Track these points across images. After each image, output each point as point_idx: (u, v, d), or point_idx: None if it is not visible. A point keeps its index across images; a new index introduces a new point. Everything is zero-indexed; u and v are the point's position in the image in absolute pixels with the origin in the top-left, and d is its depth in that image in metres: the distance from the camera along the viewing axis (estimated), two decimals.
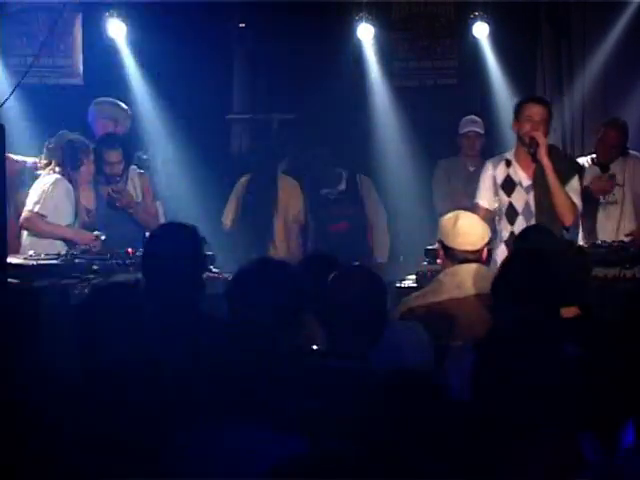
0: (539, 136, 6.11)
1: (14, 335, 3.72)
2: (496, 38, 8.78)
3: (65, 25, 8.30)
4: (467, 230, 5.09)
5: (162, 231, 4.41)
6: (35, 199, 6.60)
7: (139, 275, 5.56)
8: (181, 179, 8.40)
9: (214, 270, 6.36)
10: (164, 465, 2.93)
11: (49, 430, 3.09)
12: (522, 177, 6.22)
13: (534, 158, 6.17)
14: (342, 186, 8.13)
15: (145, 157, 7.66)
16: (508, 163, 6.27)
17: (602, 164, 7.56)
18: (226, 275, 6.45)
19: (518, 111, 6.28)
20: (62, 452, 3.00)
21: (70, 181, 6.68)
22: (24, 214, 6.61)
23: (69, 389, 3.31)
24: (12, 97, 6.01)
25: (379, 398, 2.55)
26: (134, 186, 7.13)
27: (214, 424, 2.94)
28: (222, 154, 9.16)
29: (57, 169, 6.67)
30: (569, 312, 4.09)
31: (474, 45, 8.86)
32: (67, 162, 6.66)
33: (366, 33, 8.75)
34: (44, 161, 6.68)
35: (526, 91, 8.69)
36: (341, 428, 2.82)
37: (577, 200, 6.16)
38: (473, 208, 6.24)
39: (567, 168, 6.24)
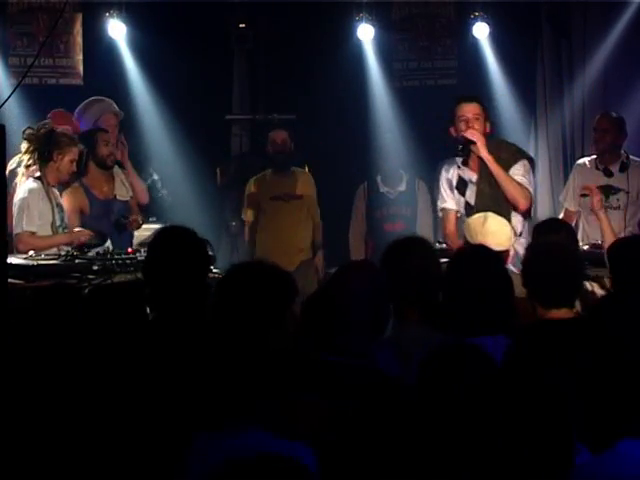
0: (471, 133, 6.17)
1: (14, 335, 3.73)
2: (496, 38, 8.78)
3: (65, 25, 8.30)
4: (496, 229, 5.14)
5: (165, 233, 4.40)
6: (20, 217, 6.54)
7: (139, 275, 5.58)
8: (181, 179, 8.40)
9: (215, 271, 6.35)
10: (164, 469, 2.94)
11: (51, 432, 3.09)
12: (470, 175, 6.32)
13: (475, 155, 6.24)
14: (402, 187, 8.26)
15: (156, 178, 7.64)
16: (459, 165, 6.38)
17: (602, 160, 7.57)
18: None
19: (452, 114, 6.35)
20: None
21: (41, 177, 6.61)
22: (16, 238, 6.53)
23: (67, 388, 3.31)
24: (12, 97, 5.99)
25: (384, 395, 2.54)
26: (122, 182, 7.14)
27: (215, 428, 2.94)
28: (222, 154, 9.15)
29: (29, 161, 6.59)
30: (560, 314, 4.08)
31: (474, 45, 8.86)
32: (39, 154, 6.61)
33: (366, 33, 8.75)
34: (24, 145, 6.64)
35: (526, 91, 8.70)
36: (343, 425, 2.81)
37: (527, 185, 6.20)
38: (443, 213, 6.47)
39: (512, 155, 6.29)
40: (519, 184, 6.18)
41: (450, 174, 6.44)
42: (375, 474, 2.36)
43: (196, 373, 3.02)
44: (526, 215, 6.29)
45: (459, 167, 6.39)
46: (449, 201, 6.45)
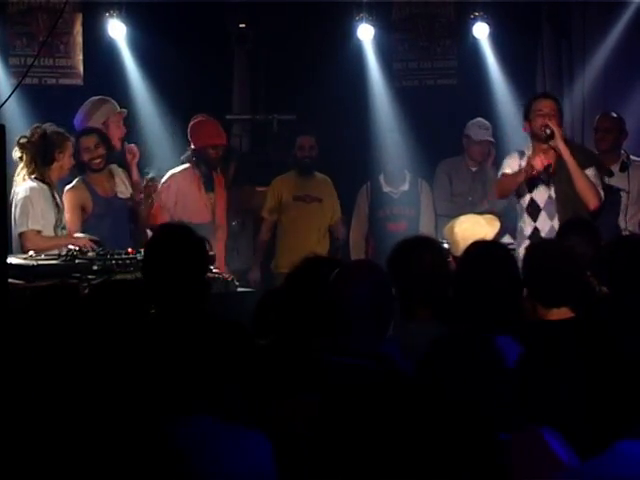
0: (553, 124, 6.15)
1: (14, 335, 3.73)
2: (496, 38, 8.78)
3: (65, 25, 8.29)
4: (465, 235, 5.14)
5: (163, 232, 4.41)
6: (24, 216, 6.56)
7: (139, 275, 5.58)
8: None
9: (214, 270, 6.36)
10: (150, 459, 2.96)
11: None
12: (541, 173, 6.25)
13: (550, 151, 6.18)
14: (405, 187, 8.26)
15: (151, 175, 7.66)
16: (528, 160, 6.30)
17: (603, 160, 7.58)
18: (226, 276, 6.45)
19: (528, 109, 6.32)
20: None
21: (42, 179, 6.65)
22: (24, 236, 6.54)
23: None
24: (12, 97, 5.99)
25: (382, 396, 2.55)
26: (122, 181, 7.17)
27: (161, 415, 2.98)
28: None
29: (28, 169, 6.62)
30: (560, 314, 4.08)
31: (474, 45, 8.86)
32: (39, 159, 6.63)
33: (366, 33, 8.75)
34: (17, 154, 6.64)
35: (526, 91, 8.69)
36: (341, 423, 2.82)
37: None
38: (501, 178, 6.37)
39: (584, 158, 6.25)
40: (591, 183, 6.13)
41: (523, 162, 6.34)
42: (374, 473, 2.36)
43: (160, 364, 3.06)
44: (595, 217, 6.22)
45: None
46: (510, 169, 6.35)
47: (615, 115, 7.74)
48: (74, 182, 6.97)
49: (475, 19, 8.71)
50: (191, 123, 7.62)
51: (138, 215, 7.17)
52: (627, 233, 7.25)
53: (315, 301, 3.65)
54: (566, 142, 6.31)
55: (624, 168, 7.58)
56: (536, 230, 6.22)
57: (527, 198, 6.30)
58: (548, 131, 6.19)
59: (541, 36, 9.02)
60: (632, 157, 7.67)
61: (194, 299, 3.98)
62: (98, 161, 6.98)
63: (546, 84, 8.99)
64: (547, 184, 6.24)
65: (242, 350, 3.09)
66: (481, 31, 8.72)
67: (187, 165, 7.59)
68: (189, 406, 2.98)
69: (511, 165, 6.39)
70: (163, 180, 7.54)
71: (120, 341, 3.58)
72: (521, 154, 6.41)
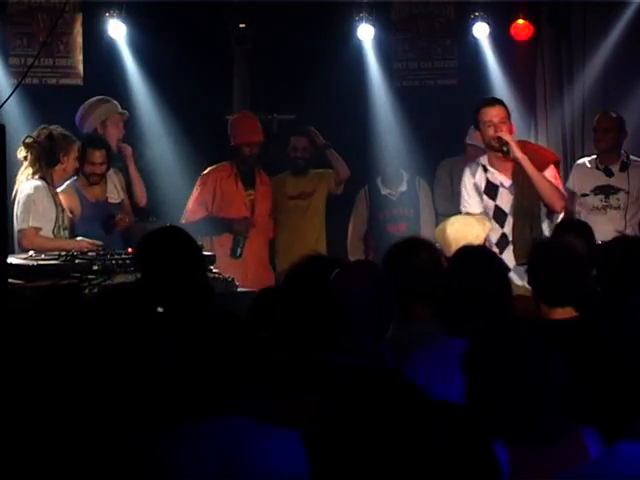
0: (505, 134, 6.13)
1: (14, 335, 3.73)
2: (496, 38, 8.78)
3: (65, 25, 8.30)
4: (457, 236, 5.16)
5: (156, 234, 4.43)
6: (26, 213, 6.56)
7: (140, 275, 5.58)
8: (181, 179, 8.39)
9: (214, 270, 6.36)
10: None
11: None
12: (502, 179, 6.25)
13: (508, 159, 6.17)
14: (403, 187, 8.25)
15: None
16: (485, 169, 6.29)
17: (602, 160, 7.59)
18: (226, 276, 6.45)
19: (476, 119, 6.28)
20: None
21: (45, 179, 6.65)
22: (22, 233, 6.55)
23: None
24: (12, 97, 6.00)
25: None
26: (114, 185, 7.17)
27: (198, 417, 2.98)
28: (222, 154, 9.14)
29: (32, 168, 6.62)
30: (564, 313, 4.08)
31: (474, 45, 8.86)
32: (43, 159, 6.63)
33: (366, 33, 8.75)
34: (22, 154, 6.64)
35: (526, 91, 8.71)
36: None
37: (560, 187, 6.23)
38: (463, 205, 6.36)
39: (539, 160, 6.25)
40: (554, 185, 6.15)
41: (477, 178, 6.31)
42: (374, 473, 2.36)
43: (183, 365, 3.06)
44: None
45: (486, 170, 6.29)
46: (474, 205, 6.30)
47: (615, 115, 7.74)
48: (64, 186, 6.97)
49: (475, 19, 8.71)
50: (230, 120, 7.71)
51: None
52: (629, 233, 7.25)
53: (315, 300, 3.65)
54: (520, 145, 6.26)
55: (624, 168, 7.58)
56: (504, 236, 6.20)
57: (491, 205, 6.27)
58: (505, 149, 6.15)
59: (541, 36, 9.02)
60: (632, 157, 7.67)
61: (197, 298, 3.99)
62: (97, 177, 7.01)
63: (546, 84, 9.00)
64: (509, 190, 6.23)
65: (246, 350, 3.09)
66: (481, 31, 8.72)
67: (227, 161, 7.69)
68: (217, 407, 2.98)
69: (467, 186, 6.35)
70: (202, 175, 7.65)
71: (124, 341, 3.58)
72: (476, 167, 6.36)
